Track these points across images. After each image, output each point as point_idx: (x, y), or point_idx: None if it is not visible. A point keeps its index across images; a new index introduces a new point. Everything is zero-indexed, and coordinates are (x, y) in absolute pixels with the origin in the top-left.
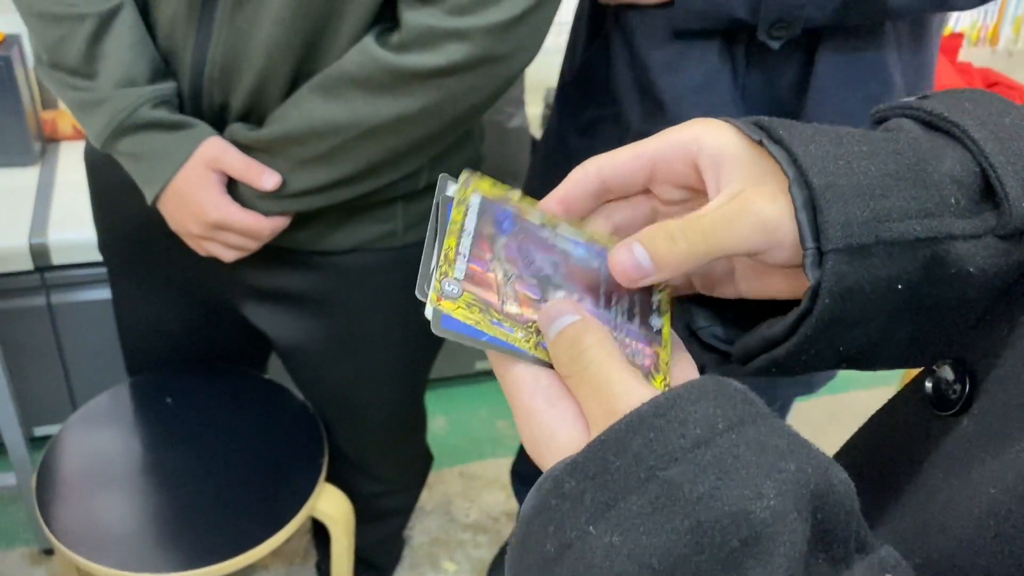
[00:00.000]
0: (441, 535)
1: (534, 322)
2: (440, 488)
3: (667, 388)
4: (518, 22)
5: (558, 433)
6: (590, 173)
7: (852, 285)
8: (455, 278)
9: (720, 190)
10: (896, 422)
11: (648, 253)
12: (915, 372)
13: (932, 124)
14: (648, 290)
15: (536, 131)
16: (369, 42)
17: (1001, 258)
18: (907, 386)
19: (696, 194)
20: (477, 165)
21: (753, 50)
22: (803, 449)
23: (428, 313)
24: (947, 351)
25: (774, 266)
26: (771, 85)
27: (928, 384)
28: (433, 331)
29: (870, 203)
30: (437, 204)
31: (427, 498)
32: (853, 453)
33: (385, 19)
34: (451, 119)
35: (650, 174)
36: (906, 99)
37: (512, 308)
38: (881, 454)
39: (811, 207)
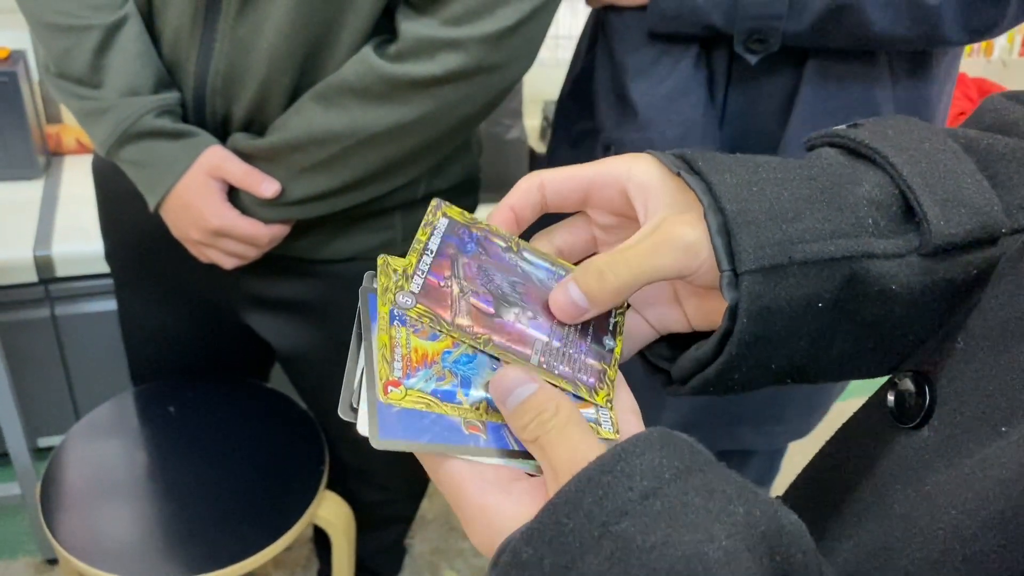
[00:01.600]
0: (442, 544)
1: (482, 335)
2: (441, 497)
3: (609, 403)
4: (512, 32)
5: (523, 515)
6: (533, 186)
7: (769, 304)
8: (410, 291)
9: (647, 218)
10: (860, 434)
11: (582, 291)
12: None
13: (855, 151)
14: (607, 312)
15: (534, 143)
16: (368, 52)
17: (926, 276)
18: (871, 399)
19: (628, 220)
20: (474, 176)
21: (737, 70)
22: (750, 494)
23: (361, 427)
24: (908, 363)
25: (707, 288)
26: (754, 108)
27: (890, 396)
28: (373, 444)
29: (782, 226)
30: (358, 310)
31: (428, 507)
32: (819, 466)
33: (385, 30)
34: (447, 128)
35: (585, 197)
36: (837, 127)
37: (463, 320)
38: (845, 466)
39: (726, 232)
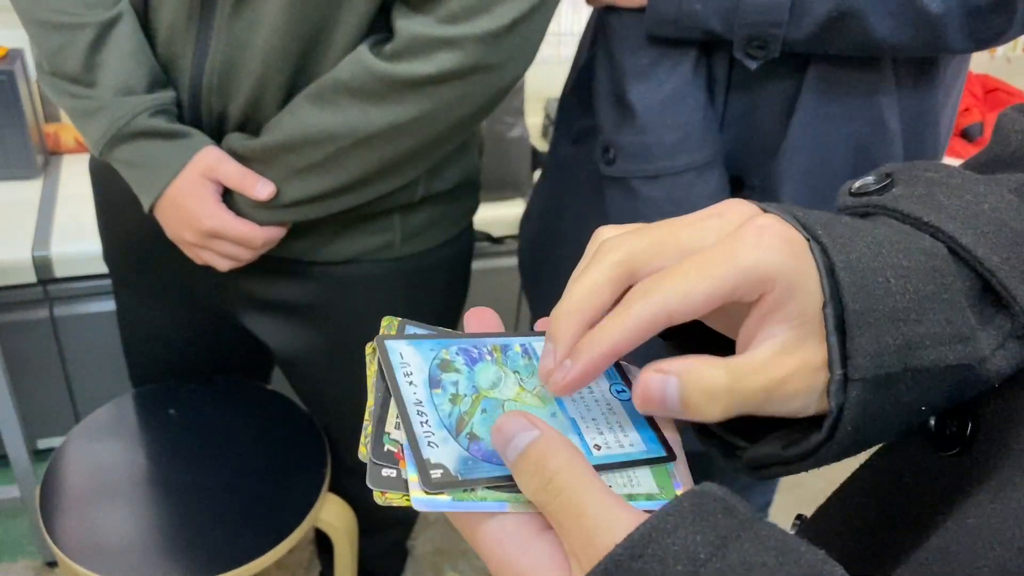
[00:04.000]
0: (444, 545)
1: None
2: None
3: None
4: (509, 31)
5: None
6: (660, 320)
7: (876, 412)
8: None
9: (764, 326)
10: (897, 461)
11: (680, 395)
12: None
13: (907, 220)
14: None
15: (536, 141)
16: (363, 51)
17: (1017, 360)
18: None
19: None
20: (474, 178)
21: (737, 73)
22: (791, 558)
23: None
24: None
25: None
26: (755, 112)
27: (931, 422)
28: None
29: (903, 329)
30: (377, 362)
31: None
32: (853, 492)
33: (381, 28)
34: (444, 129)
35: (720, 309)
36: (870, 187)
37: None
38: (880, 494)
39: (842, 330)
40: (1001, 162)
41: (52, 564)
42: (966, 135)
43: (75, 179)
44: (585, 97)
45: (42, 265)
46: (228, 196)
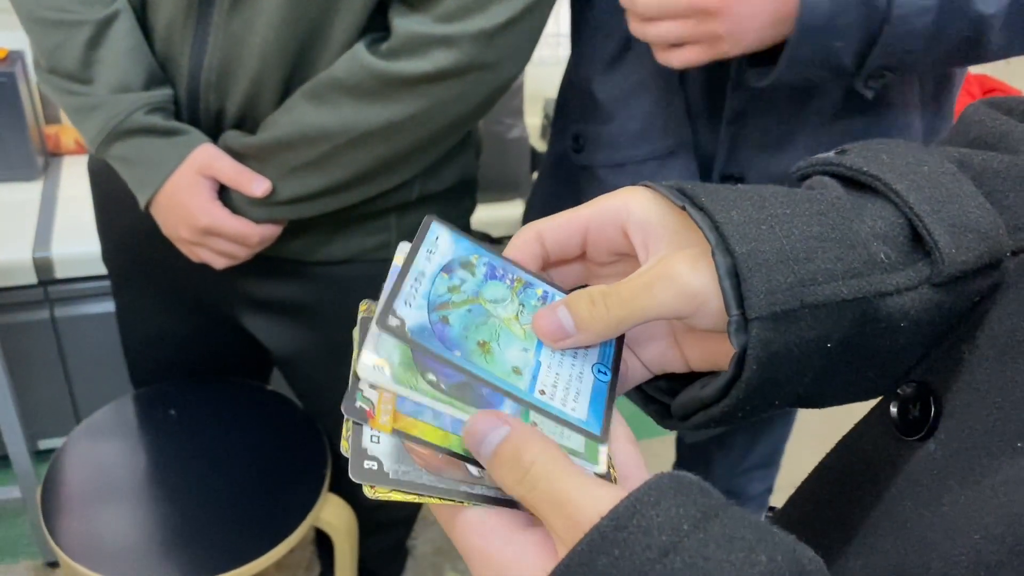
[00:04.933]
0: (445, 544)
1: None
2: None
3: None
4: (504, 30)
5: (523, 566)
6: (531, 238)
7: (779, 350)
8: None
9: (648, 256)
10: (863, 448)
11: (571, 315)
12: None
13: (853, 180)
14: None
15: (535, 142)
16: (359, 49)
17: (934, 307)
18: (872, 410)
19: (628, 258)
20: (471, 178)
21: (739, 73)
22: (768, 536)
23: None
24: (910, 374)
25: (709, 332)
26: (756, 107)
27: (893, 408)
28: (367, 493)
29: (794, 267)
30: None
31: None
32: (822, 481)
33: (378, 27)
34: (440, 128)
35: (584, 239)
36: (824, 154)
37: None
38: (848, 480)
39: (734, 274)
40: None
41: (53, 564)
42: None
43: (76, 180)
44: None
45: (43, 266)
46: (224, 193)
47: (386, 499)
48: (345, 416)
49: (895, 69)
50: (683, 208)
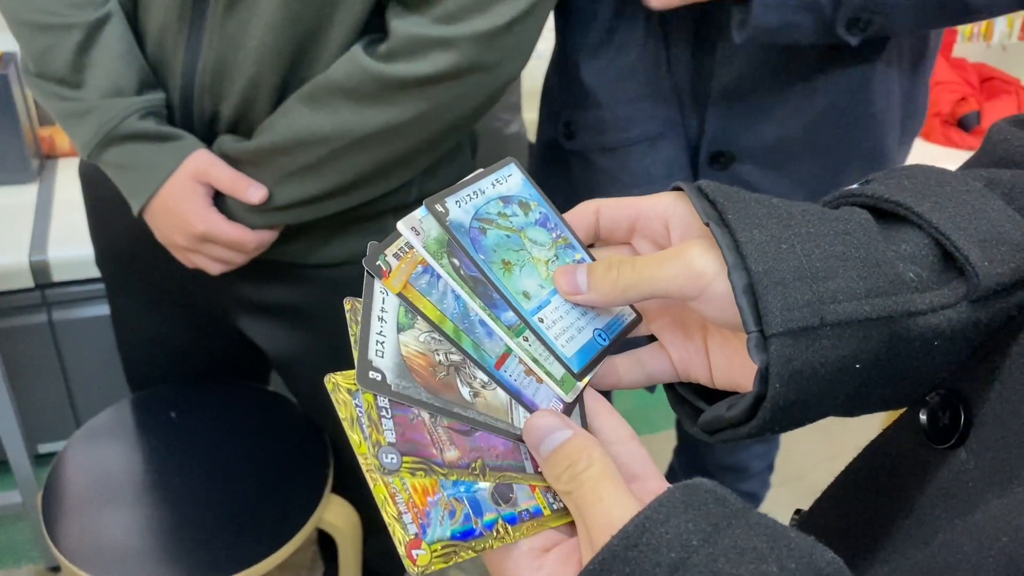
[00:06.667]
0: None
1: (475, 464)
2: None
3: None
4: (504, 31)
5: None
6: (590, 210)
7: (802, 368)
8: (389, 444)
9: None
10: (891, 453)
11: (586, 275)
12: None
13: (877, 208)
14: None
15: (533, 137)
16: (357, 51)
17: (971, 326)
18: (901, 416)
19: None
20: None
21: (722, 44)
22: (782, 543)
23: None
24: (941, 382)
25: (732, 341)
26: (743, 82)
27: (923, 416)
28: None
29: (812, 286)
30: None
31: None
32: (849, 487)
33: (376, 28)
34: (439, 129)
35: (633, 224)
36: (850, 187)
37: (451, 454)
38: (877, 486)
39: (751, 292)
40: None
41: (55, 569)
42: (963, 124)
43: (71, 183)
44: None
45: (39, 270)
46: (219, 199)
47: (430, 571)
48: (365, 269)
49: (875, 15)
50: (707, 225)
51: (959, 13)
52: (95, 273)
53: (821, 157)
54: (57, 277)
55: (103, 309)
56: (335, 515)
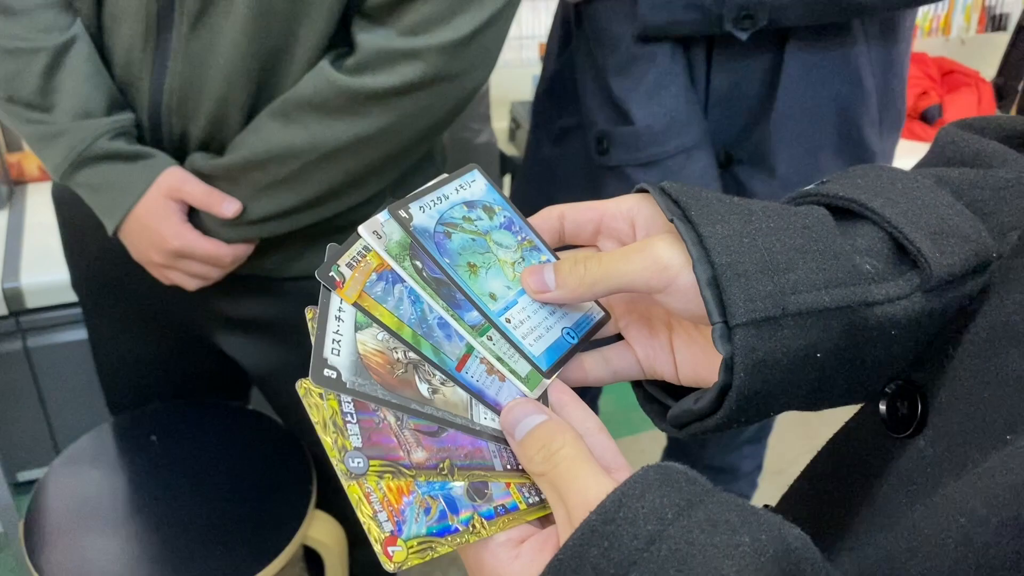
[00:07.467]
0: None
1: (443, 465)
2: None
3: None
4: (469, 41)
5: (533, 568)
6: (554, 215)
7: (766, 357)
8: (356, 448)
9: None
10: (853, 444)
11: (553, 272)
12: None
13: (833, 206)
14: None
15: (503, 145)
16: (325, 66)
17: (925, 315)
18: (862, 409)
19: None
20: None
21: (717, 57)
22: (752, 518)
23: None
24: (898, 373)
25: (696, 337)
26: (738, 88)
27: (882, 406)
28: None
29: (774, 277)
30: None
31: None
32: (813, 479)
33: (341, 43)
34: (408, 139)
35: (598, 226)
36: (808, 187)
37: (419, 456)
38: (841, 477)
39: (715, 285)
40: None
41: None
42: (925, 118)
43: (41, 208)
44: (561, 98)
45: (12, 297)
46: (194, 215)
47: (407, 566)
48: (319, 281)
49: (759, 10)
50: (672, 221)
51: (853, 8)
52: (69, 298)
53: (804, 153)
54: (31, 304)
55: (79, 334)
56: (320, 531)
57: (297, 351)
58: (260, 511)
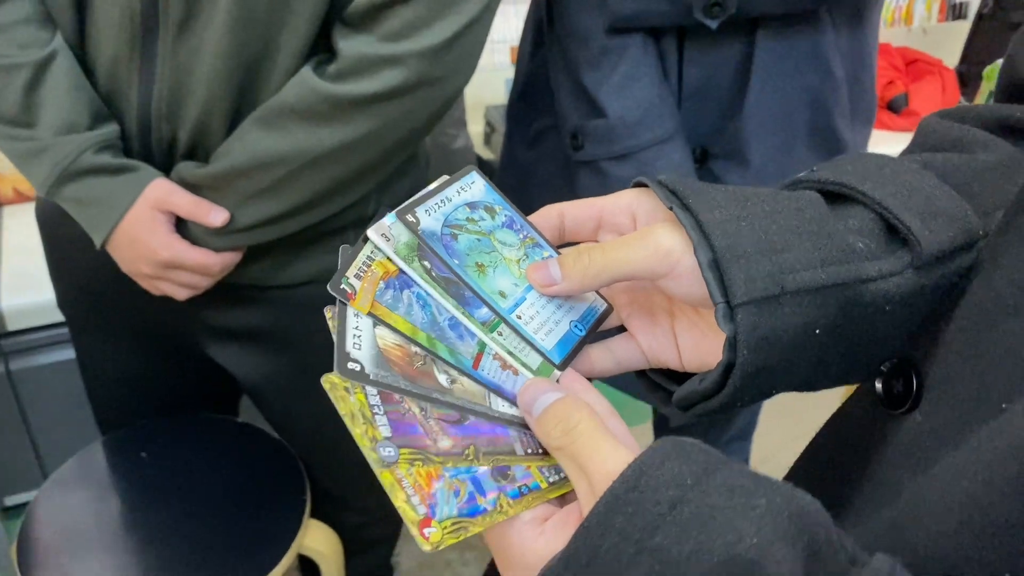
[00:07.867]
0: (428, 558)
1: (468, 451)
2: None
3: None
4: (450, 45)
5: (557, 549)
6: (553, 213)
7: (768, 335)
8: (386, 439)
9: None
10: (851, 423)
11: (559, 265)
12: None
13: (824, 191)
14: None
15: (480, 149)
16: (307, 73)
17: (917, 291)
18: (858, 388)
19: None
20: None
21: (689, 49)
22: (766, 483)
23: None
24: (893, 352)
25: (699, 322)
26: (710, 81)
27: (878, 384)
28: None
29: (772, 257)
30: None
31: None
32: (814, 458)
33: (322, 50)
34: (392, 144)
35: (599, 222)
36: (800, 175)
37: (444, 443)
38: (841, 456)
39: (716, 267)
40: None
41: None
42: (892, 107)
43: (16, 229)
44: (535, 101)
45: None
46: (181, 225)
47: (443, 546)
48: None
49: (727, 2)
50: (671, 209)
51: None
52: (51, 319)
53: (778, 144)
54: (12, 326)
55: (62, 354)
56: (316, 540)
57: (287, 360)
58: (255, 523)
